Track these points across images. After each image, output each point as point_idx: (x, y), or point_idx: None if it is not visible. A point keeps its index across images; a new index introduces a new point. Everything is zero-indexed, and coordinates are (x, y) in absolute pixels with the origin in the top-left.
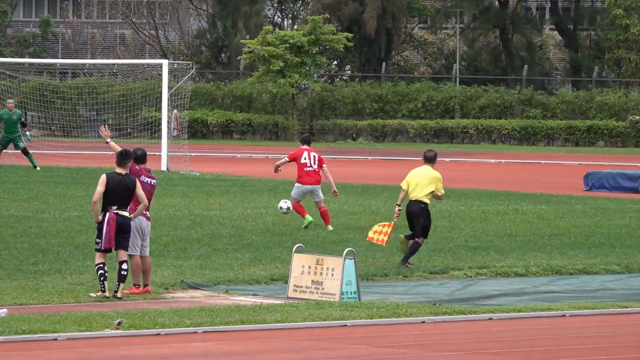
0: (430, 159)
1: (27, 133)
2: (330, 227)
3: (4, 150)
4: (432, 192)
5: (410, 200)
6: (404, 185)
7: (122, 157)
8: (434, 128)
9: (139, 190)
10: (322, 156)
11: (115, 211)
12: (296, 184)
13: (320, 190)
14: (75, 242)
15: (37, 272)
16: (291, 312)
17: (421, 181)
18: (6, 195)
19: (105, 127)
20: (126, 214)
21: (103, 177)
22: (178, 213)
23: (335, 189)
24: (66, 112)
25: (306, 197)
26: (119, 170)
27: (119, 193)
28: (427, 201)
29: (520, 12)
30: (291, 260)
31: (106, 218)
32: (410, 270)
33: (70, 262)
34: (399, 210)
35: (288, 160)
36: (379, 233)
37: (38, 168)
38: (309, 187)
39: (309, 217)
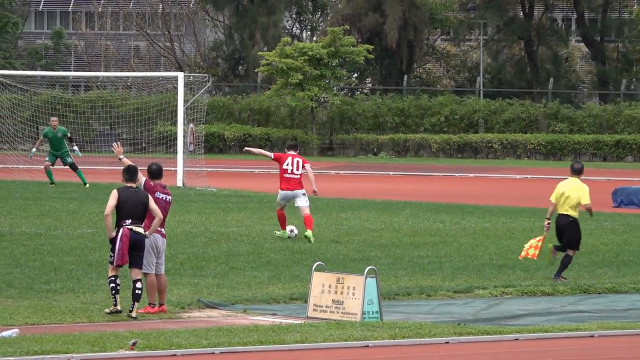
0: (578, 171)
1: (75, 148)
2: (309, 232)
3: (52, 166)
4: (580, 204)
5: (559, 214)
6: (552, 198)
7: (130, 173)
8: (458, 143)
9: (152, 204)
10: (344, 171)
11: (129, 226)
12: (279, 189)
13: (302, 196)
14: (88, 260)
15: (49, 291)
16: (311, 332)
17: (569, 194)
18: (18, 212)
19: (117, 143)
20: (141, 230)
21: (114, 191)
22: (194, 230)
23: (315, 188)
24: (79, 126)
25: (289, 202)
26: (129, 184)
27: (133, 206)
28: (575, 214)
29: (545, 24)
30: (311, 278)
31: (119, 234)
32: (434, 289)
33: (84, 281)
34: (549, 223)
35: (272, 157)
36: (532, 247)
37: (87, 185)
38: (289, 192)
39: (285, 233)
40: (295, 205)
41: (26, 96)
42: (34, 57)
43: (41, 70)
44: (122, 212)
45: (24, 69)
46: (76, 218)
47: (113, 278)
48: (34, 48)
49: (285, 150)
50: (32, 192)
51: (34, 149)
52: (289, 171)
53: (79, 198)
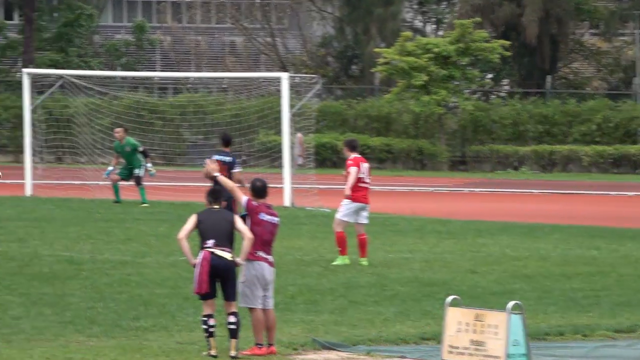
0: None
1: (149, 165)
2: (364, 262)
3: (123, 182)
4: None
5: None
6: None
7: (214, 195)
8: (613, 155)
9: (240, 224)
10: (480, 189)
11: (210, 249)
12: (345, 201)
13: (367, 212)
14: (183, 292)
15: (138, 329)
16: None
17: None
18: (99, 236)
19: (212, 159)
20: (226, 255)
21: (193, 215)
22: (306, 257)
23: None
24: (168, 136)
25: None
26: (211, 207)
27: (214, 224)
28: None
29: None
30: (445, 315)
31: (199, 258)
32: (591, 328)
33: (179, 317)
34: None
35: (356, 170)
36: None
37: (146, 205)
38: (360, 205)
39: (345, 259)
40: (357, 221)
41: (105, 101)
42: (113, 55)
43: (121, 70)
44: (203, 232)
45: (101, 69)
46: (167, 243)
47: (205, 318)
48: (112, 44)
49: (345, 148)
50: (115, 212)
51: (110, 167)
52: (364, 179)
53: (170, 220)
